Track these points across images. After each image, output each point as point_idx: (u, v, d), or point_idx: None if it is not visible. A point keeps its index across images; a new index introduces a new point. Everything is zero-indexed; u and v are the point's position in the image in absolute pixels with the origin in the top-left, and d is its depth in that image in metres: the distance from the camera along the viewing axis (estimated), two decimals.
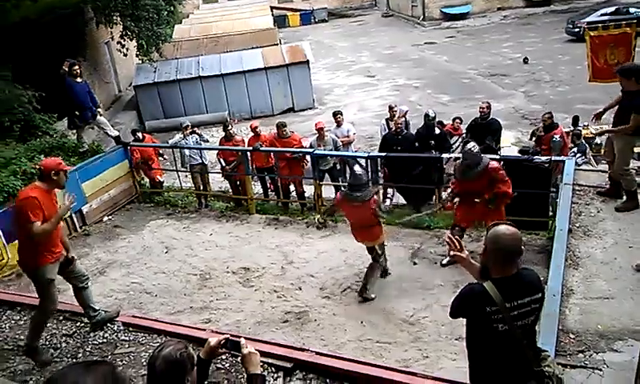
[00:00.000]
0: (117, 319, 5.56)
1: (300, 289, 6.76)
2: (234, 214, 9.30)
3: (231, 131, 9.75)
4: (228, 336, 2.74)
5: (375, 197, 6.16)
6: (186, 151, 9.88)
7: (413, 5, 35.38)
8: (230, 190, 10.29)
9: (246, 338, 4.83)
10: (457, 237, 3.25)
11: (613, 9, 23.72)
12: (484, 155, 6.52)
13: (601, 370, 4.14)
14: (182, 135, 9.93)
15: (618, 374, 4.03)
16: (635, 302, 4.88)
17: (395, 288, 6.58)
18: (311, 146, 9.39)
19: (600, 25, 9.68)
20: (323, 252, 7.62)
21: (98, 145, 10.59)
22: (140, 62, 18.97)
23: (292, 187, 9.73)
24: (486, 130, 9.20)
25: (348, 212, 6.43)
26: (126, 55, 16.74)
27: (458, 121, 10.57)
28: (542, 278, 5.02)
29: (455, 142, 10.31)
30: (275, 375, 4.47)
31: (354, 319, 5.98)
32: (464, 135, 9.92)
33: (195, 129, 10.26)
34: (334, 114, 10.35)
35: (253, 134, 9.74)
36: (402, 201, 9.35)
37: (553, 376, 2.87)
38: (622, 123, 6.21)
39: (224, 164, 9.82)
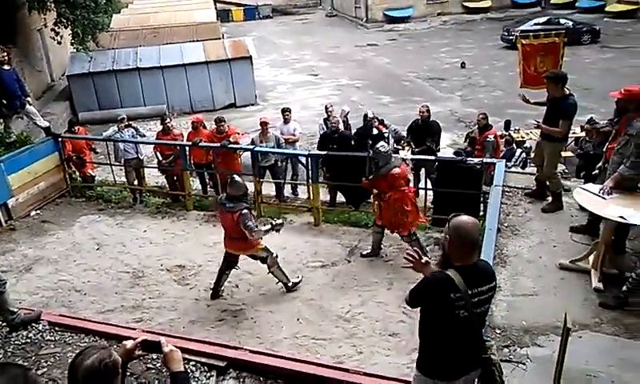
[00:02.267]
0: (42, 318, 5.31)
1: (237, 287, 6.68)
2: (170, 210, 9.07)
3: (169, 125, 9.53)
4: (145, 337, 2.67)
5: (244, 211, 5.89)
6: (121, 145, 9.55)
7: (356, 6, 35.80)
8: (167, 186, 10.04)
9: (179, 338, 4.79)
10: (415, 249, 3.32)
11: (545, 19, 24.96)
12: (396, 157, 6.76)
13: (524, 363, 4.35)
14: (116, 128, 9.59)
15: (540, 368, 4.24)
16: (558, 299, 5.15)
17: (332, 285, 6.62)
18: (252, 142, 9.31)
19: (532, 34, 10.12)
20: None
21: (26, 136, 10.07)
22: (75, 50, 18.20)
23: None
24: (426, 131, 9.42)
25: (221, 219, 6.27)
26: (60, 43, 16.02)
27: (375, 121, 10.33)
28: None
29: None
30: (208, 374, 4.41)
31: (291, 316, 5.97)
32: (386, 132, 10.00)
33: (131, 122, 9.92)
34: (283, 111, 10.31)
35: (192, 129, 9.54)
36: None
37: (497, 364, 3.01)
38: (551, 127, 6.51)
39: (161, 158, 9.59)
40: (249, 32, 29.71)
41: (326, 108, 10.38)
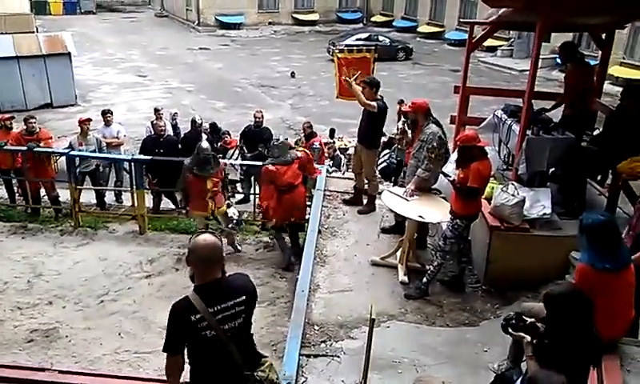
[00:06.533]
0: None
1: (50, 303, 6.18)
2: None
3: None
4: None
5: None
6: None
7: (187, 8, 35.12)
8: None
9: None
10: None
11: (366, 35, 26.95)
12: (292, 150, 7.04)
13: (339, 356, 4.65)
14: None
15: (353, 359, 4.55)
16: (369, 293, 5.59)
17: (157, 295, 6.44)
18: (70, 146, 8.63)
19: (346, 48, 10.87)
20: (79, 261, 7.08)
21: None
22: None
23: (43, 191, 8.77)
24: (258, 137, 9.61)
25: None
26: None
27: (226, 136, 10.73)
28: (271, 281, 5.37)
29: (233, 154, 10.55)
30: None
31: (110, 331, 5.68)
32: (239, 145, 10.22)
33: None
34: (103, 113, 9.79)
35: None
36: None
37: (265, 380, 2.96)
38: (365, 133, 7.07)
39: None
40: (68, 27, 27.33)
41: (156, 110, 10.04)
